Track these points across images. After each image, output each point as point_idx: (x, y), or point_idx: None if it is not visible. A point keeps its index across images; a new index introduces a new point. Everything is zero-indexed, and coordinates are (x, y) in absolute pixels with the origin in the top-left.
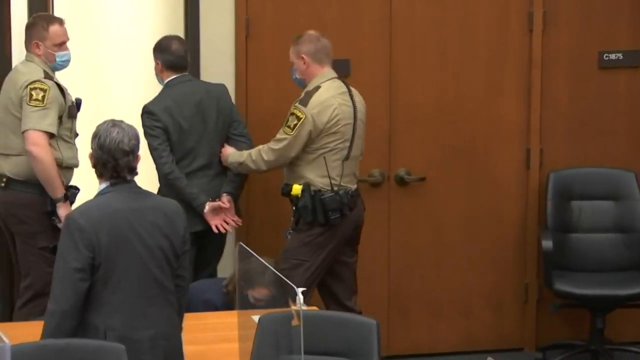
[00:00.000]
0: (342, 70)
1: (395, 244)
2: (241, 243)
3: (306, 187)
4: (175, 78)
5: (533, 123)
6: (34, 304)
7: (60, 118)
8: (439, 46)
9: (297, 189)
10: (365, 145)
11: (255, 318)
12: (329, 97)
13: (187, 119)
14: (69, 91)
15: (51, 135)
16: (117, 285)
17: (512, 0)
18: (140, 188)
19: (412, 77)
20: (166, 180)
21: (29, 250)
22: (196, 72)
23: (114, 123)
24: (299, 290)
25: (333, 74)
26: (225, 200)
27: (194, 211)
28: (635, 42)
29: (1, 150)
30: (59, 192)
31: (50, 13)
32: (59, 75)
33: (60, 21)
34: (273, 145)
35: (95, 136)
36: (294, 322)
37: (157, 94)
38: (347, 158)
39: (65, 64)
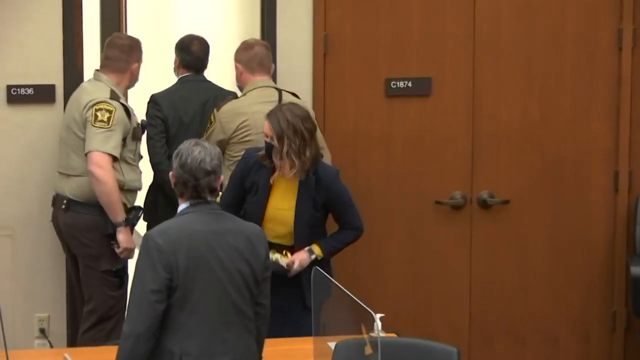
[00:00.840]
0: (423, 89)
1: (477, 269)
2: (316, 267)
3: None
4: (189, 75)
5: (622, 144)
6: (98, 329)
7: (124, 140)
8: (524, 64)
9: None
10: (447, 166)
11: (332, 344)
12: (243, 105)
13: (190, 115)
14: (135, 112)
15: (114, 158)
16: (194, 308)
17: (600, 17)
18: (221, 210)
19: (496, 95)
20: (154, 169)
21: (92, 273)
22: None
23: (197, 142)
24: (377, 316)
25: (266, 83)
26: None
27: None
28: None
29: (62, 170)
30: (120, 216)
31: (124, 29)
32: (141, 90)
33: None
34: None
35: (177, 155)
36: (368, 351)
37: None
38: None
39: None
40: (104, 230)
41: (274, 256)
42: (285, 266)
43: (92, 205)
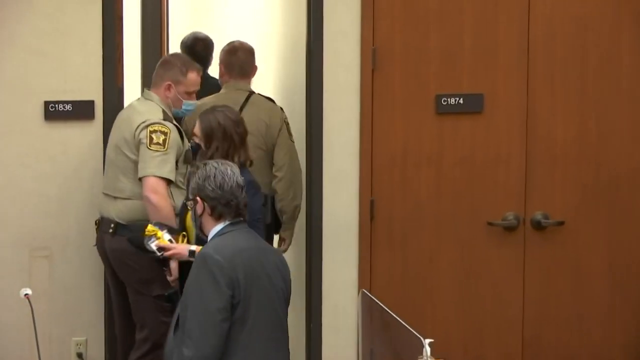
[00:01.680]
0: (475, 106)
1: (530, 293)
2: (364, 290)
3: None
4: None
5: None
6: (152, 356)
7: (175, 162)
8: (579, 80)
9: None
10: (499, 186)
11: None
12: (205, 104)
13: None
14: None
15: (169, 182)
16: (252, 326)
17: None
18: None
19: (551, 112)
20: None
21: (143, 299)
22: (319, 105)
23: (221, 162)
24: (427, 341)
25: (238, 86)
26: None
27: None
28: None
29: (109, 191)
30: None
31: (166, 45)
32: None
33: (198, 70)
34: None
35: (208, 177)
36: None
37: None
38: None
39: (188, 113)
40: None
41: (159, 233)
42: (155, 249)
43: (142, 229)
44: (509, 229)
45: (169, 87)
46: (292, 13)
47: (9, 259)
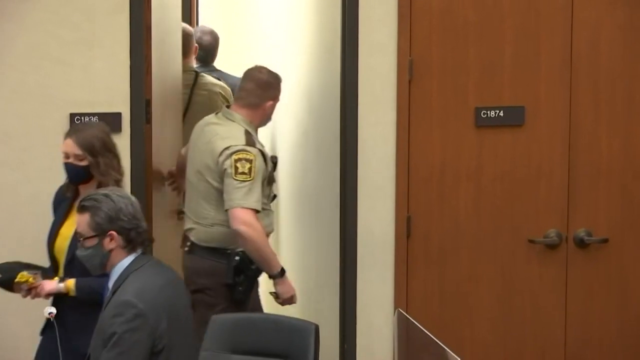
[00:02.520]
0: (516, 119)
1: (572, 314)
2: (400, 309)
3: None
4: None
5: None
6: None
7: (261, 187)
8: (625, 92)
9: None
10: (541, 202)
11: None
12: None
13: None
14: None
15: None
16: None
17: None
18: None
19: (595, 126)
20: None
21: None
22: (353, 119)
23: (113, 189)
24: None
25: (185, 67)
26: None
27: None
28: None
29: (191, 215)
30: (275, 268)
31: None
32: None
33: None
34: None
35: (113, 209)
36: None
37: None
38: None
39: None
40: (223, 278)
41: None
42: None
43: (215, 250)
44: (551, 246)
45: (273, 106)
46: (328, 26)
47: None
